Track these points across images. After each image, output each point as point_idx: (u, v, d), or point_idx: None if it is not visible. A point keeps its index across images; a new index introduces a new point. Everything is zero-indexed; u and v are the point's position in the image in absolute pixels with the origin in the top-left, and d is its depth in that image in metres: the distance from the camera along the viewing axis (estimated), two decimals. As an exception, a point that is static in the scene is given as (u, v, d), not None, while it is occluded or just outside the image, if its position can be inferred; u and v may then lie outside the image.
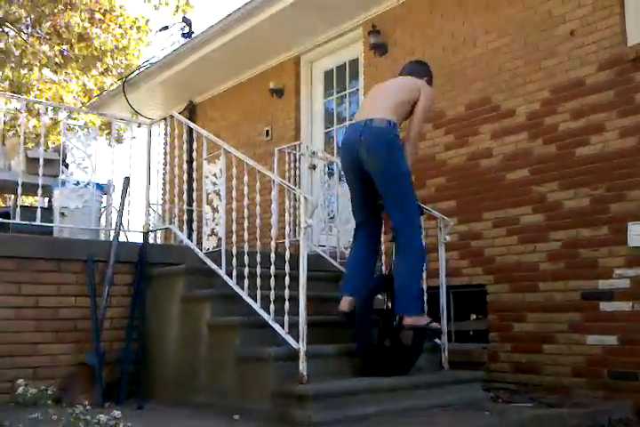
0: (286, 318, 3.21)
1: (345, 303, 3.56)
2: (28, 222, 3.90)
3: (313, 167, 6.01)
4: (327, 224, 5.28)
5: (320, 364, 3.27)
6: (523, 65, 4.66)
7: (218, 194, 3.77)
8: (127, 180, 4.29)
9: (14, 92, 12.25)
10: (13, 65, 12.20)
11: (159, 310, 3.94)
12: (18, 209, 3.96)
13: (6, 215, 5.02)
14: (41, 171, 4.03)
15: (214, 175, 3.81)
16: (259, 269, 3.42)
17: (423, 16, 5.46)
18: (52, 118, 12.68)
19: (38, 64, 12.26)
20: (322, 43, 6.50)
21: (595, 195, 4.12)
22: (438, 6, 5.34)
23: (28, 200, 9.43)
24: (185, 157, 4.21)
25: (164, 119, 4.79)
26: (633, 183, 3.93)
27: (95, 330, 3.78)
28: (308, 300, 3.15)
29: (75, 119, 12.08)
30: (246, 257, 3.51)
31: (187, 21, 8.39)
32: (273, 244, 3.40)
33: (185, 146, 4.24)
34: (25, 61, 12.34)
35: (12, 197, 5.35)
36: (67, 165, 4.36)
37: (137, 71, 8.15)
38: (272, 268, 3.35)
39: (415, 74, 3.97)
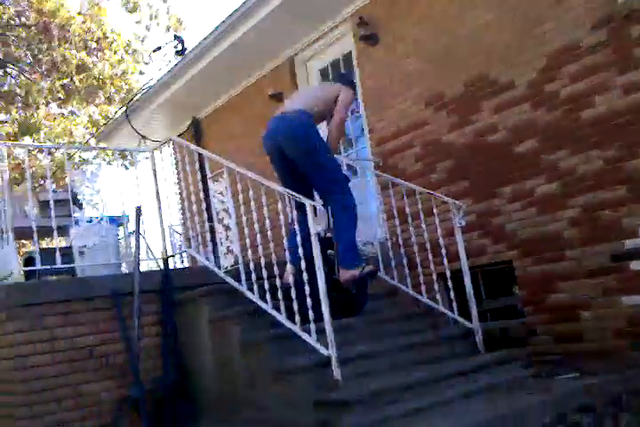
0: (312, 326, 3.21)
1: (288, 275, 3.49)
2: (50, 266, 3.96)
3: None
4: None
5: (356, 366, 3.26)
6: (516, 34, 4.53)
7: (227, 211, 3.79)
8: (139, 209, 4.33)
9: (23, 134, 12.53)
10: (20, 106, 12.44)
11: (190, 335, 3.97)
12: (37, 253, 4.03)
13: (31, 259, 5.12)
14: (53, 213, 4.08)
15: (220, 193, 3.82)
16: (278, 281, 3.42)
17: (408, 1, 5.36)
18: (62, 154, 12.95)
19: (43, 101, 12.49)
20: (313, 41, 6.45)
21: (607, 156, 4.01)
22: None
23: (52, 241, 9.57)
24: (190, 178, 4.21)
25: (165, 143, 4.81)
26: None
27: (133, 362, 3.83)
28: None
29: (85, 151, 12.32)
30: (264, 271, 3.51)
31: (179, 39, 8.41)
32: (288, 254, 3.40)
33: (188, 167, 4.24)
34: (30, 100, 12.57)
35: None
36: (80, 205, 4.42)
37: (137, 96, 8.22)
38: (290, 277, 3.35)
39: (337, 81, 4.27)
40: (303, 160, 3.82)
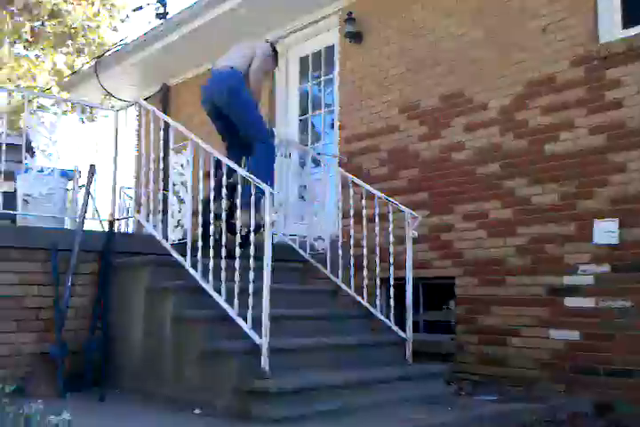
0: (249, 312, 3.19)
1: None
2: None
3: (288, 156, 5.96)
4: (300, 214, 5.23)
5: (285, 358, 3.26)
6: (496, 58, 4.64)
7: (184, 185, 3.71)
8: (93, 167, 4.20)
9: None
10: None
11: (124, 301, 3.90)
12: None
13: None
14: (3, 156, 3.91)
15: (181, 166, 3.74)
16: (223, 263, 3.38)
17: (399, 5, 5.39)
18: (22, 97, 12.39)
19: (8, 40, 11.91)
20: (298, 28, 6.40)
21: (562, 191, 4.14)
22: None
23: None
24: (152, 146, 4.11)
25: (132, 105, 4.67)
26: (600, 181, 3.97)
27: (58, 320, 3.74)
28: (272, 293, 3.14)
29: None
30: (211, 250, 3.46)
31: (162, 2, 8.20)
32: (238, 238, 3.36)
33: (152, 134, 4.13)
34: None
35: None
36: (33, 152, 4.24)
37: (110, 52, 7.96)
38: (237, 262, 3.32)
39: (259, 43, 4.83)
40: (233, 110, 4.33)
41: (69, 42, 11.84)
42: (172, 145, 3.88)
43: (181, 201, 3.72)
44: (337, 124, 5.90)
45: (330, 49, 6.24)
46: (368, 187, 4.26)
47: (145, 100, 8.22)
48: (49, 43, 11.68)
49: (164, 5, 8.15)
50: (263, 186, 3.21)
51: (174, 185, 3.80)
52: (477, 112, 4.73)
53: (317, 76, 6.45)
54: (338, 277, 4.28)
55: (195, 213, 3.80)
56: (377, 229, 4.11)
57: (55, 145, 3.81)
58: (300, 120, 6.58)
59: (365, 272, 4.11)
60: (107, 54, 7.90)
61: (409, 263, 3.91)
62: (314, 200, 4.74)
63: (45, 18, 11.34)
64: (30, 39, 11.73)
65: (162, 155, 4.11)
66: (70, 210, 4.33)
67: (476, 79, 4.76)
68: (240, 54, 4.58)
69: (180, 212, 3.74)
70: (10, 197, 4.21)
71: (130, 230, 5.54)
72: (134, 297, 3.80)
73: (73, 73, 10.39)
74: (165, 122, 4.04)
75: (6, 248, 3.74)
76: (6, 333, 3.72)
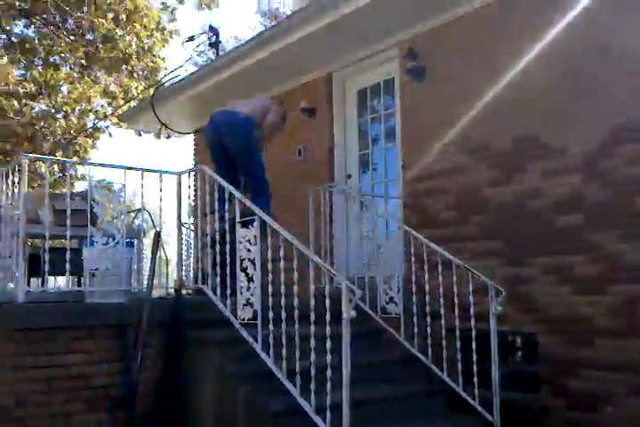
0: (328, 414, 3.00)
1: None
2: (56, 289, 3.76)
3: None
4: (366, 264, 4.97)
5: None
6: (577, 99, 4.30)
7: (252, 262, 3.55)
8: (158, 235, 4.11)
9: (41, 94, 12.16)
10: (40, 64, 12.05)
11: (193, 379, 3.78)
12: (47, 259, 3.86)
13: (36, 257, 4.90)
14: (69, 227, 3.89)
15: (248, 241, 3.58)
16: (298, 353, 3.21)
17: (463, 40, 5.09)
18: (80, 120, 12.66)
19: (64, 63, 12.11)
20: (355, 61, 6.16)
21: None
22: (479, 31, 4.97)
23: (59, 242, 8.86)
24: (217, 215, 3.99)
25: (194, 171, 4.56)
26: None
27: (129, 398, 3.67)
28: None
29: (102, 120, 12.05)
30: (284, 337, 3.30)
31: (214, 31, 8.12)
32: (312, 329, 3.17)
33: (216, 203, 4.00)
34: (51, 59, 12.16)
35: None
36: (96, 216, 4.16)
37: (165, 78, 7.94)
38: (312, 355, 3.13)
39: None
40: (238, 152, 4.50)
41: (123, 66, 11.93)
42: (238, 218, 3.73)
43: (250, 279, 3.57)
44: (399, 163, 5.66)
45: (389, 82, 5.99)
46: (448, 254, 4.02)
47: (198, 131, 8.24)
48: (103, 66, 11.77)
49: (217, 34, 8.06)
50: (339, 279, 3.02)
51: (242, 260, 3.65)
52: (556, 158, 4.41)
53: (377, 111, 6.20)
54: (414, 346, 4.06)
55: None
56: (456, 298, 3.87)
57: (120, 217, 3.76)
58: (360, 155, 6.36)
59: (444, 343, 3.87)
60: (161, 89, 7.87)
61: (494, 345, 3.64)
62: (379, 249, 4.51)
63: (99, 42, 11.44)
64: (85, 63, 11.88)
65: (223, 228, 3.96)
66: (135, 278, 4.26)
67: (554, 122, 4.43)
68: (253, 105, 4.83)
69: (248, 290, 3.59)
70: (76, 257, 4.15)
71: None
72: (204, 378, 3.69)
73: (129, 100, 10.53)
74: (230, 193, 3.87)
75: (75, 328, 3.69)
76: (76, 414, 3.67)
